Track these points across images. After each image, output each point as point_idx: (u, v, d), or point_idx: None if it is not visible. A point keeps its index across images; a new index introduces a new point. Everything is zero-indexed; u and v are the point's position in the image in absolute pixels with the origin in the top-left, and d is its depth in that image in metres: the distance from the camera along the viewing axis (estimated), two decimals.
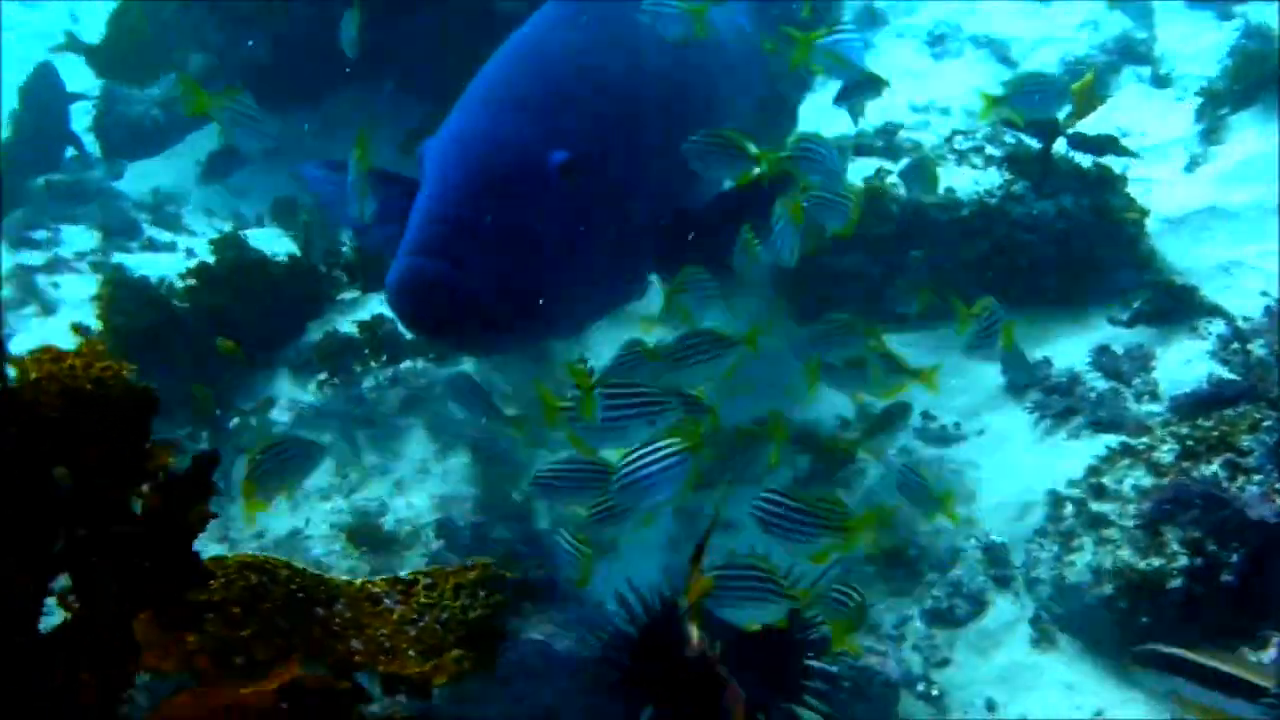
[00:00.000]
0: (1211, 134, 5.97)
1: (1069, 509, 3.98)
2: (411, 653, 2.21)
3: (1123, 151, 5.06)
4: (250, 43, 6.63)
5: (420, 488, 4.43)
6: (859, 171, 5.25)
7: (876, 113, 6.21)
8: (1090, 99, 4.87)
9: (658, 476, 3.07)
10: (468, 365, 4.88)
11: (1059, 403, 4.53)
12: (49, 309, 5.85)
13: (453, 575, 2.37)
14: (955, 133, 5.45)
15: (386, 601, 2.30)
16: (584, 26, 3.83)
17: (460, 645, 2.24)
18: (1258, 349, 4.29)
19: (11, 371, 1.96)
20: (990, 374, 4.75)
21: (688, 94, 3.85)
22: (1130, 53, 7.12)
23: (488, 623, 2.30)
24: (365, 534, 4.26)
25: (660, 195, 3.76)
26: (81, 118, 8.08)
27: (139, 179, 7.36)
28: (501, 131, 3.46)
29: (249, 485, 3.44)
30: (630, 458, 3.07)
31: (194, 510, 2.07)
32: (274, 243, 5.84)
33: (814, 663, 3.48)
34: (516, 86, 3.64)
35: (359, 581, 2.29)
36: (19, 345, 5.30)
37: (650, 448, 3.07)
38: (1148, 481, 3.84)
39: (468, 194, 3.32)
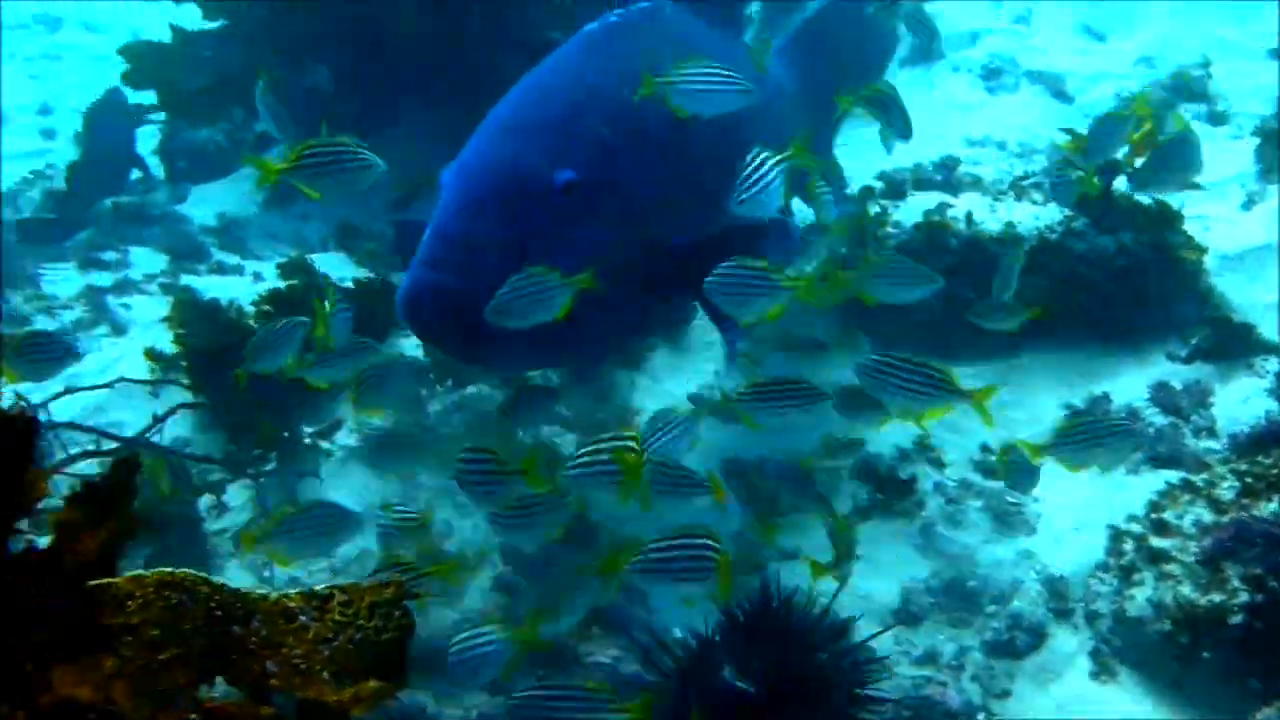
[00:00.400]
0: (1268, 173, 5.99)
1: (1129, 544, 4.01)
2: (325, 674, 2.09)
3: (1186, 185, 5.09)
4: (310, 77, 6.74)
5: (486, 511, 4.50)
6: (919, 206, 5.29)
7: (933, 146, 6.28)
8: (1150, 139, 4.92)
9: (479, 662, 3.24)
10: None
11: None
12: (119, 330, 5.94)
13: (368, 593, 2.30)
14: (1021, 177, 5.49)
15: (302, 618, 2.16)
16: (604, 57, 3.91)
17: (374, 669, 2.20)
18: None
19: None
20: (1051, 407, 4.80)
21: (712, 131, 3.87)
22: (1186, 90, 7.14)
23: (399, 645, 2.26)
24: (431, 556, 4.33)
25: (680, 228, 3.79)
26: (146, 141, 8.18)
27: (203, 203, 7.44)
28: (505, 152, 3.58)
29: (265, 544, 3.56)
30: (461, 639, 3.26)
31: (111, 524, 2.06)
32: (339, 267, 5.94)
33: (866, 691, 3.52)
34: (525, 111, 3.75)
35: (274, 595, 2.24)
36: (91, 365, 5.46)
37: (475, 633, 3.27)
38: (1208, 518, 3.87)
39: (467, 210, 3.45)
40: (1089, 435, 3.63)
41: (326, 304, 3.72)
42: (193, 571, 2.10)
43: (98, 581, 2.01)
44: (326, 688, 2.08)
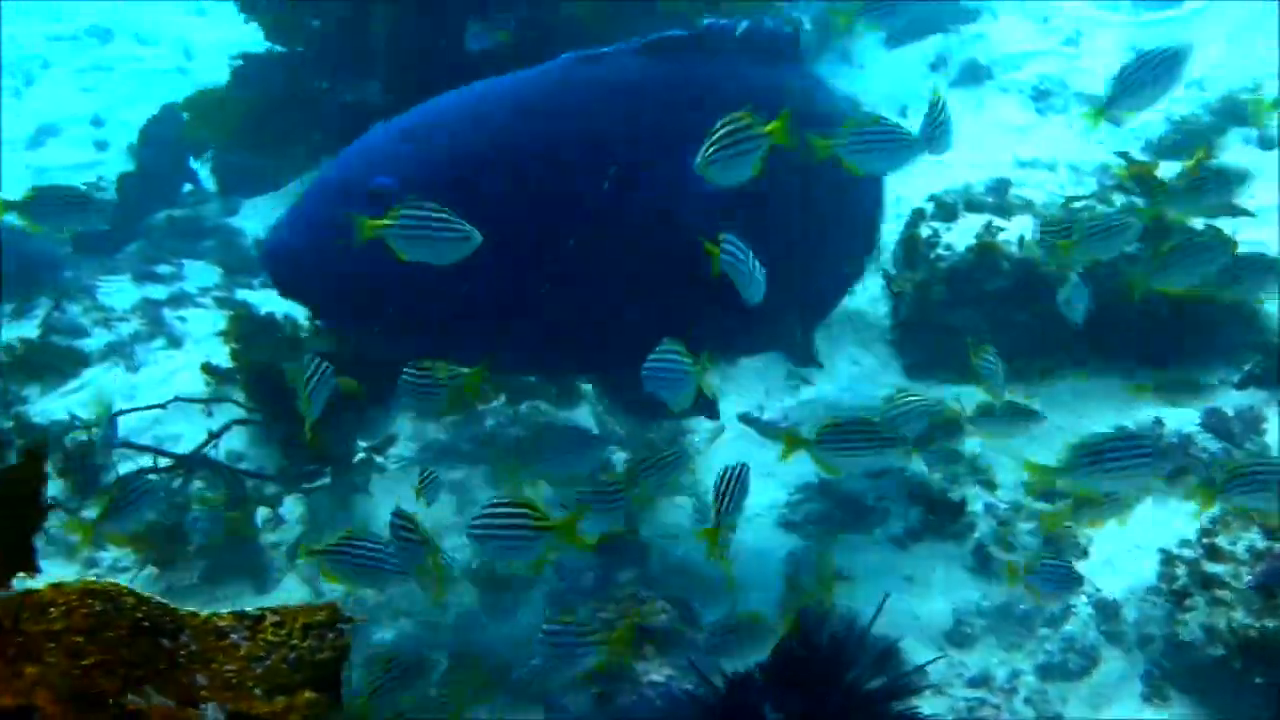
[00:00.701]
0: None
1: (1181, 568, 4.01)
2: (258, 690, 2.11)
3: (1237, 211, 5.08)
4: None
5: None
6: (970, 228, 5.31)
7: (983, 167, 6.29)
8: (1202, 166, 4.93)
9: None
10: (584, 410, 5.00)
11: (1171, 463, 4.57)
12: (176, 343, 6.00)
13: (301, 615, 2.30)
14: (1071, 199, 5.50)
15: (233, 636, 2.20)
16: (524, 94, 3.93)
17: (310, 687, 2.19)
18: None
19: None
20: (1102, 430, 4.80)
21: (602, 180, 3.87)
22: (1236, 114, 7.13)
23: (335, 665, 2.26)
24: (484, 571, 4.37)
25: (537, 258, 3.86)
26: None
27: (254, 216, 7.50)
28: (362, 148, 3.87)
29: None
30: None
31: (28, 512, 2.07)
32: None
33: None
34: (404, 119, 3.94)
35: (204, 615, 2.24)
36: (148, 378, 5.52)
37: None
38: (1262, 544, 3.88)
39: (308, 195, 3.85)
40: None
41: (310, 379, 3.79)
42: (117, 582, 2.12)
43: (22, 589, 2.04)
44: (259, 701, 2.09)
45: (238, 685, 2.11)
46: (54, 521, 4.51)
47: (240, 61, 6.93)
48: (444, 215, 3.31)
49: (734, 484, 3.42)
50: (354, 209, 3.51)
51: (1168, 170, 5.12)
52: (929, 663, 3.78)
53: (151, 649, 2.08)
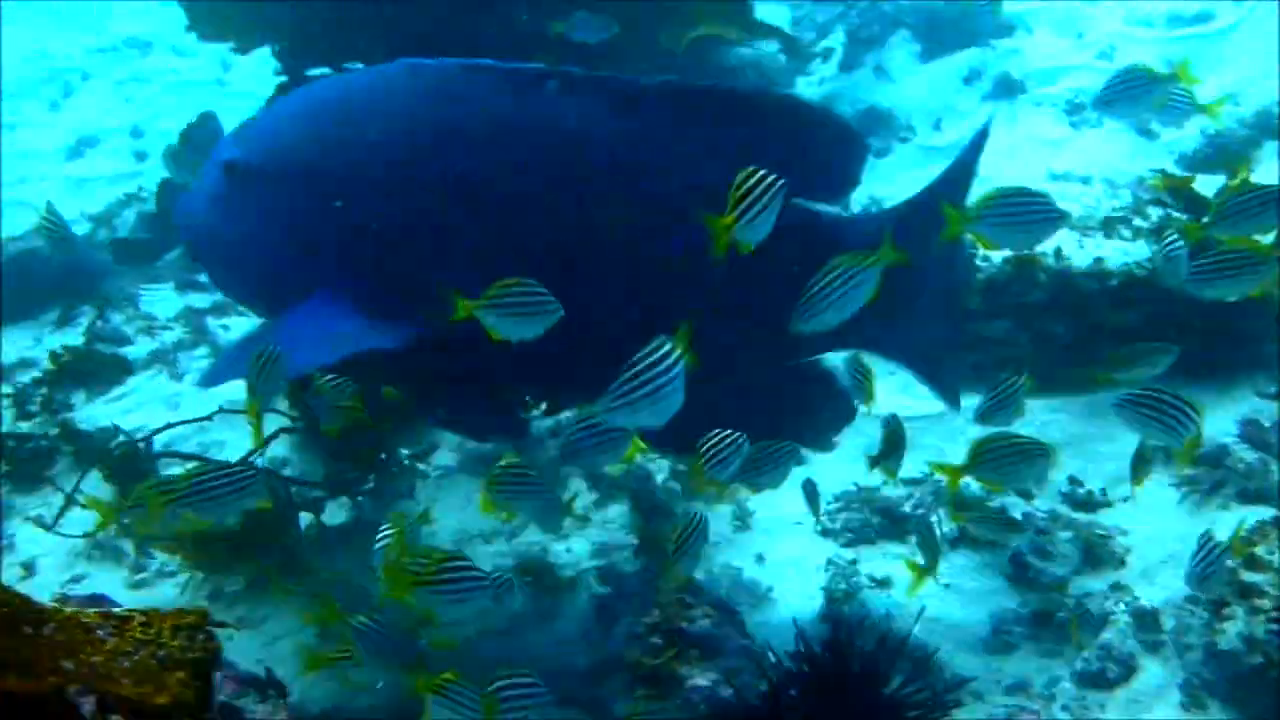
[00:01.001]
0: None
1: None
2: (126, 681, 2.09)
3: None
4: None
5: (580, 535, 4.58)
6: None
7: (1018, 181, 6.30)
8: (1245, 184, 4.96)
9: None
10: None
11: (1207, 473, 4.60)
12: (219, 351, 6.06)
13: (170, 617, 2.29)
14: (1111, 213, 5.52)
15: (99, 632, 2.20)
16: (370, 82, 3.94)
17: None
18: None
19: None
20: (1137, 441, 4.82)
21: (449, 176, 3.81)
22: (1269, 127, 7.14)
23: (206, 665, 2.25)
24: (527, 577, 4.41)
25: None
26: None
27: None
28: (237, 132, 3.90)
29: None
30: None
31: None
32: None
33: None
34: (289, 97, 4.04)
35: (68, 610, 2.24)
36: (192, 386, 5.57)
37: None
38: None
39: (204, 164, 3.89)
40: None
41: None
42: None
43: None
44: (125, 689, 2.08)
45: (105, 675, 2.10)
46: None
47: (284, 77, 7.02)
48: (537, 289, 3.26)
49: (728, 442, 3.44)
50: (217, 181, 3.70)
51: (1205, 185, 5.14)
52: (964, 682, 3.82)
53: (12, 635, 2.08)
